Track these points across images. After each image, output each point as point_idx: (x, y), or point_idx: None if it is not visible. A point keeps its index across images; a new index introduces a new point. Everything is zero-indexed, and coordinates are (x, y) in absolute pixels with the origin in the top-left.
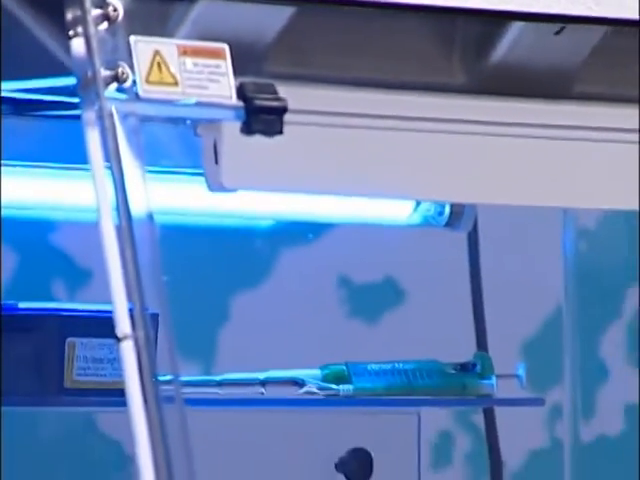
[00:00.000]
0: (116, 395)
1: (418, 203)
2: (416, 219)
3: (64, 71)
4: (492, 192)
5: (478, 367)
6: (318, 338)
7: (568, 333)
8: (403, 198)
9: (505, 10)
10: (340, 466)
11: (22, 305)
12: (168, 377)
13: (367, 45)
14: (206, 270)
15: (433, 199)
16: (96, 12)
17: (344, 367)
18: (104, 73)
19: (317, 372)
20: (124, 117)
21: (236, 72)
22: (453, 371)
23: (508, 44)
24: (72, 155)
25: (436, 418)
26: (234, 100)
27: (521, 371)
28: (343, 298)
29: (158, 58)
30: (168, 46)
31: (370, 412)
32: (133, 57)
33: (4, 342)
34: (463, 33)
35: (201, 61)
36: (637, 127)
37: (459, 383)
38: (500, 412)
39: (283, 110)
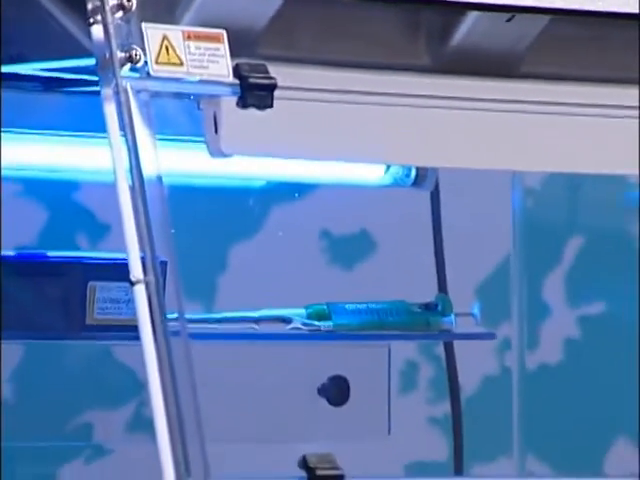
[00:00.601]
0: (130, 330)
1: (388, 166)
2: (387, 180)
3: (86, 53)
4: (452, 157)
5: (439, 307)
6: (303, 282)
7: (515, 277)
8: (376, 162)
9: (463, 1)
10: (322, 391)
11: (50, 254)
12: (175, 315)
13: (345, 31)
14: (207, 224)
15: (401, 163)
16: (113, 2)
17: (325, 307)
18: (120, 55)
19: (302, 311)
20: (137, 93)
21: (232, 54)
22: (418, 310)
23: (466, 30)
24: (93, 125)
25: (403, 350)
26: (231, 78)
27: (476, 310)
28: (324, 248)
29: (166, 42)
30: (174, 32)
31: (347, 345)
32: (145, 41)
33: (35, 285)
34: (427, 21)
35: (203, 45)
36: (575, 101)
37: (423, 320)
38: (458, 344)
39: (273, 87)
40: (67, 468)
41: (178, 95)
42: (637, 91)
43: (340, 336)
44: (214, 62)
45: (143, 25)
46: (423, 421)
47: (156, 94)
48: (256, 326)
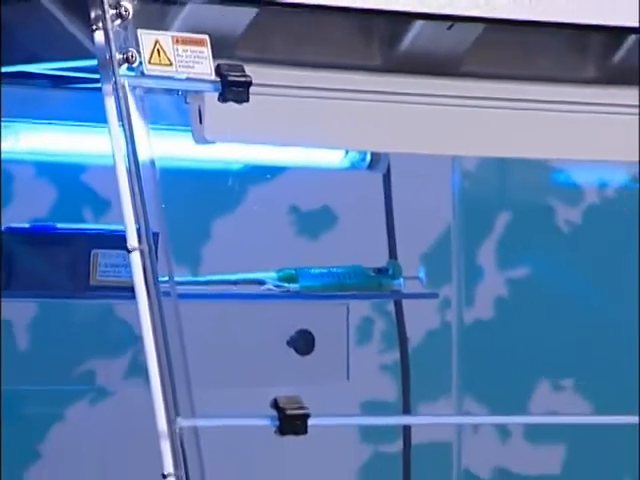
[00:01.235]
0: (128, 291)
1: (347, 152)
2: (345, 164)
3: (89, 55)
4: (401, 144)
5: (390, 271)
6: (275, 250)
7: (455, 246)
8: (336, 148)
9: (410, 11)
10: (290, 342)
11: (59, 226)
12: (165, 278)
13: (310, 37)
14: (193, 201)
15: (358, 148)
16: (112, 12)
17: (293, 271)
18: (118, 56)
19: (274, 275)
20: (133, 89)
21: (214, 56)
22: (372, 274)
23: (412, 36)
24: (95, 116)
25: (360, 308)
26: (213, 77)
27: (421, 273)
28: (292, 221)
29: (158, 46)
30: (165, 37)
31: (312, 304)
32: (139, 45)
33: (47, 253)
34: (380, 28)
35: (189, 48)
36: (505, 97)
37: (376, 282)
38: (406, 303)
39: (249, 84)
40: (74, 408)
41: (168, 91)
42: (555, 88)
43: (306, 296)
44: (199, 63)
45: (138, 31)
46: (376, 368)
47: (149, 90)
48: (235, 287)
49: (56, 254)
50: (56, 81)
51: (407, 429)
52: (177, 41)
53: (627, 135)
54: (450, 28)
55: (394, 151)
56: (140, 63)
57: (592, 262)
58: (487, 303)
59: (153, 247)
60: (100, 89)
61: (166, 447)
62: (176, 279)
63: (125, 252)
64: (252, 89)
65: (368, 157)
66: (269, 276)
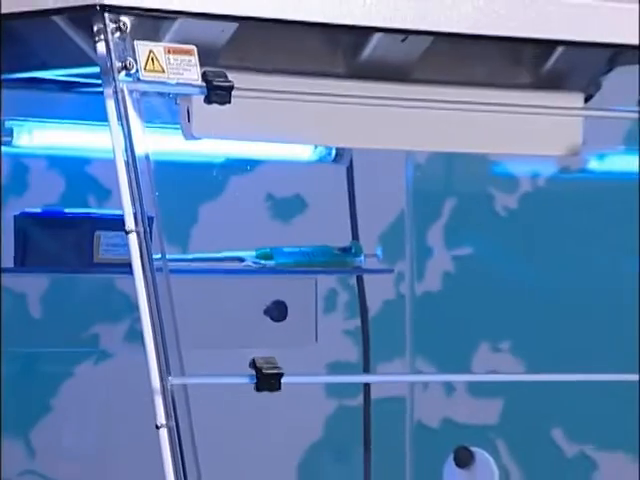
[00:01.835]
0: (126, 267)
1: (315, 147)
2: (314, 157)
3: (92, 63)
4: (362, 140)
5: (353, 250)
6: (253, 231)
7: (408, 228)
8: (306, 143)
9: (370, 25)
10: (266, 312)
11: (67, 210)
12: (158, 256)
13: (283, 47)
14: (183, 189)
15: (325, 144)
16: (112, 26)
17: (269, 250)
18: (117, 64)
19: (252, 253)
20: (130, 92)
21: (201, 64)
22: (337, 252)
23: (372, 47)
24: (98, 116)
25: (327, 282)
26: (200, 82)
27: (379, 252)
28: (268, 207)
29: (152, 55)
30: (158, 47)
31: (285, 278)
32: (136, 54)
33: (56, 234)
34: (344, 39)
35: (179, 57)
36: (452, 99)
37: (341, 260)
38: (366, 277)
39: (231, 88)
40: (81, 367)
41: (161, 94)
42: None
43: (280, 271)
44: (187, 70)
45: (135, 42)
46: (340, 333)
47: (145, 93)
48: (218, 264)
49: (64, 235)
50: (64, 85)
51: (367, 386)
52: (168, 51)
53: (555, 132)
54: (404, 40)
55: (356, 146)
56: (136, 70)
57: (525, 242)
58: (435, 277)
59: (148, 229)
60: (102, 92)
61: (159, 401)
62: (168, 257)
63: (124, 233)
64: (233, 93)
65: (333, 152)
66: (248, 254)
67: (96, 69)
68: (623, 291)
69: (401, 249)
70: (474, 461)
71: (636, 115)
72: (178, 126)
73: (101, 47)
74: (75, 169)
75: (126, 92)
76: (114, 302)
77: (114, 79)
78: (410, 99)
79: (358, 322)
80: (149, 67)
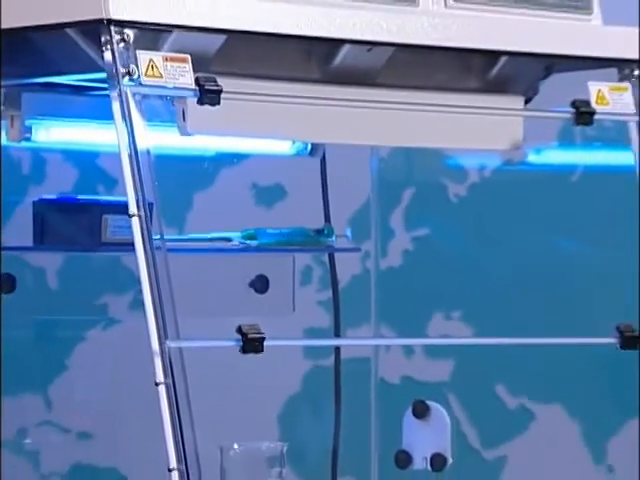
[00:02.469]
0: (130, 246)
1: (294, 142)
2: (292, 151)
3: (100, 69)
4: (334, 136)
5: (325, 231)
6: (239, 215)
7: (373, 213)
8: (286, 139)
9: (341, 37)
10: (251, 284)
11: (80, 197)
12: (157, 236)
13: (266, 56)
14: (179, 179)
15: (301, 139)
16: (117, 37)
17: (253, 231)
18: (122, 70)
19: (238, 234)
20: (133, 95)
21: (194, 70)
22: (312, 233)
23: (342, 55)
24: (105, 115)
25: (303, 259)
26: (193, 86)
27: (348, 233)
28: (253, 194)
29: (152, 62)
30: (157, 56)
31: (267, 255)
32: (138, 62)
33: (70, 217)
34: (318, 49)
35: (175, 64)
36: (412, 102)
37: (315, 240)
38: (337, 255)
39: (220, 92)
40: (92, 332)
41: (160, 96)
42: (448, 95)
43: (263, 250)
44: (182, 75)
45: (137, 52)
46: (314, 303)
47: (146, 96)
48: (209, 243)
49: (77, 218)
50: (76, 89)
51: (337, 348)
52: (166, 59)
53: (499, 130)
54: (369, 50)
55: (329, 142)
56: (138, 76)
57: (474, 225)
58: (397, 255)
59: (149, 214)
60: (108, 95)
61: (158, 362)
62: (165, 237)
63: (128, 217)
64: (222, 95)
65: (309, 146)
66: (235, 235)
67: (103, 75)
68: (556, 266)
69: (367, 231)
70: (430, 413)
71: (568, 115)
72: (174, 124)
73: (108, 56)
74: (86, 161)
75: (129, 95)
76: (120, 276)
77: (119, 83)
78: (375, 101)
79: (330, 294)
80: (149, 73)
